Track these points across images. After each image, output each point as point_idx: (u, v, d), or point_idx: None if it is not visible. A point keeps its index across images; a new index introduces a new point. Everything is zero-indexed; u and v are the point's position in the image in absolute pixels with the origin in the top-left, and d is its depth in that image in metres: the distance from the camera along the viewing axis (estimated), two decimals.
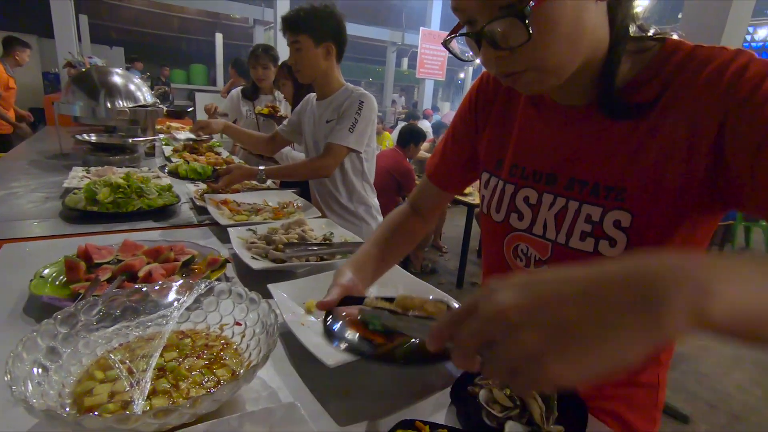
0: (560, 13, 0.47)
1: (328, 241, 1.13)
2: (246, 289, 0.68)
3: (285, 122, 1.88)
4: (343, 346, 0.56)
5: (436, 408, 0.61)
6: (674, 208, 0.53)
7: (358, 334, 0.58)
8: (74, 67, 4.29)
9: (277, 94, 2.72)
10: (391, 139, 5.91)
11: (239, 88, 2.93)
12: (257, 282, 0.83)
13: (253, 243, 1.06)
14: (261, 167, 1.58)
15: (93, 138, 2.12)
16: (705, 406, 2.30)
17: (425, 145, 4.55)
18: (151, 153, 2.44)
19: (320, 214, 1.42)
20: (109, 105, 2.00)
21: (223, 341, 0.64)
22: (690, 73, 0.51)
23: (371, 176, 1.73)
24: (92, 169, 1.71)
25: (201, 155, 2.31)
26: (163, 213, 1.36)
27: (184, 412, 0.46)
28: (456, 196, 3.22)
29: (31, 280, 0.78)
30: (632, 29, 0.55)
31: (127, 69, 5.47)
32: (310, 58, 1.52)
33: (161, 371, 0.56)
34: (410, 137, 3.73)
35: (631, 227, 0.55)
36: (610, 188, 0.57)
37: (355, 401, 0.61)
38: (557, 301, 0.30)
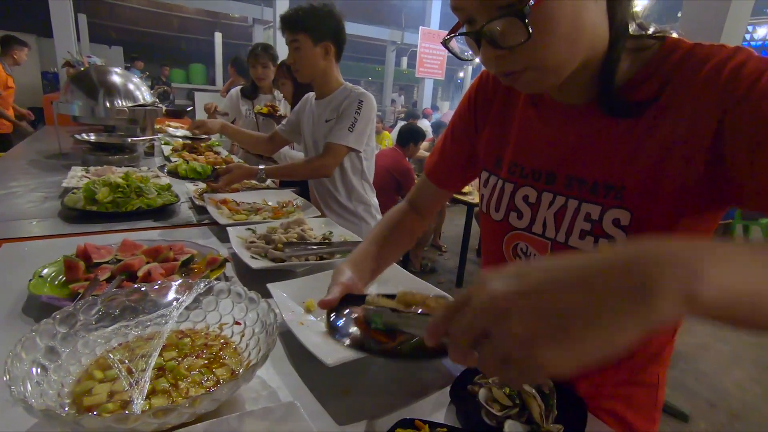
0: (560, 12, 0.47)
1: (327, 241, 1.13)
2: (245, 288, 0.68)
3: (284, 122, 1.88)
4: (346, 342, 0.56)
5: (436, 407, 0.61)
6: (673, 207, 0.53)
7: (360, 332, 0.58)
8: (73, 66, 4.26)
9: (277, 93, 2.71)
10: (390, 138, 5.91)
11: (238, 88, 2.93)
12: (256, 281, 0.83)
13: (252, 242, 1.06)
14: (261, 167, 1.58)
15: (92, 137, 2.12)
16: (704, 405, 2.30)
17: (425, 144, 4.54)
18: (150, 152, 2.43)
19: (319, 214, 1.42)
20: (108, 104, 2.00)
21: (222, 341, 0.64)
22: (689, 71, 0.51)
23: (370, 175, 1.73)
24: (91, 168, 1.71)
25: (200, 155, 2.30)
26: (162, 212, 1.36)
27: (183, 411, 0.46)
28: (455, 195, 3.22)
29: (30, 280, 0.78)
30: (632, 28, 0.55)
31: (128, 68, 5.45)
32: (309, 57, 1.52)
33: (160, 371, 0.56)
34: (410, 136, 3.72)
35: (630, 226, 0.55)
36: (610, 187, 0.57)
37: (354, 400, 0.61)
38: (549, 288, 0.30)
